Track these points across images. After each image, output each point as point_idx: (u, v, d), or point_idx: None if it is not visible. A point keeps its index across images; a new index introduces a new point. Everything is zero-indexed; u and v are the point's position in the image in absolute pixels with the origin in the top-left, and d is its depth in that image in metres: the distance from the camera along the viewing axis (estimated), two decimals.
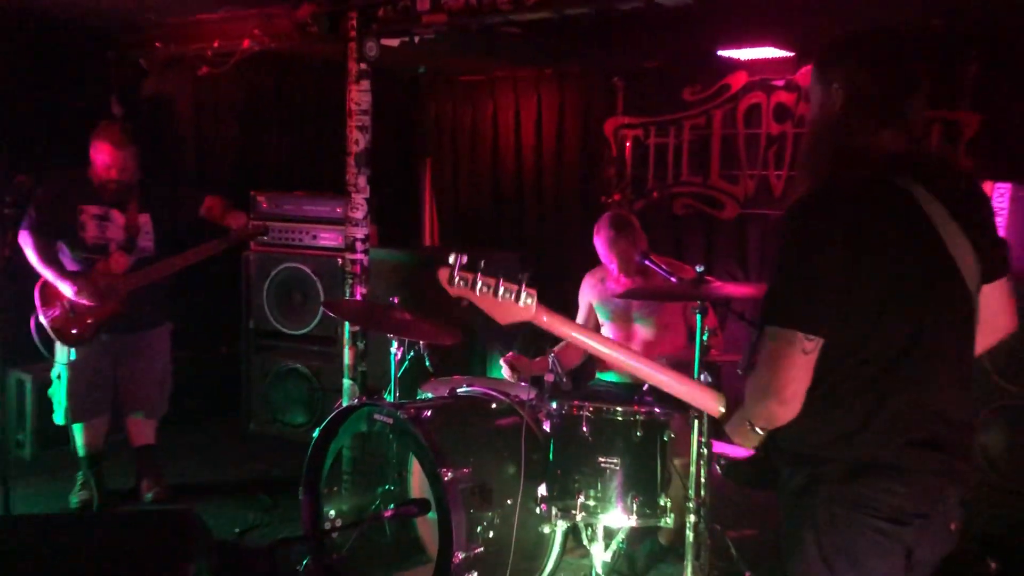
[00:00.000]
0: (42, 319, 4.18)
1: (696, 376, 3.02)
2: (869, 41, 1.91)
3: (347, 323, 4.45)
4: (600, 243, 4.07)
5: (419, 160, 7.22)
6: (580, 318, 4.28)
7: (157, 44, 5.36)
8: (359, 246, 4.47)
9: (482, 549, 3.18)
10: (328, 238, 5.39)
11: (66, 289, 4.13)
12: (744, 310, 4.00)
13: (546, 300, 2.14)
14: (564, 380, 3.45)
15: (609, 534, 3.19)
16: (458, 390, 3.78)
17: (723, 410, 2.03)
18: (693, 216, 5.86)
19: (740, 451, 2.09)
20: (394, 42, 4.42)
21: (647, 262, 3.77)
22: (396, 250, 5.51)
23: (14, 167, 4.33)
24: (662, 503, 3.08)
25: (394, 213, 6.67)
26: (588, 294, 4.27)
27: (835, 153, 1.88)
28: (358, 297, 4.49)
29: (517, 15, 3.90)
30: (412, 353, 3.85)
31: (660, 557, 3.81)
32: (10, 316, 3.94)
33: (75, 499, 4.47)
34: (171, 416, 4.71)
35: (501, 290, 2.10)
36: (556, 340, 4.07)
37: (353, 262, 4.48)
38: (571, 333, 2.16)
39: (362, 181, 4.43)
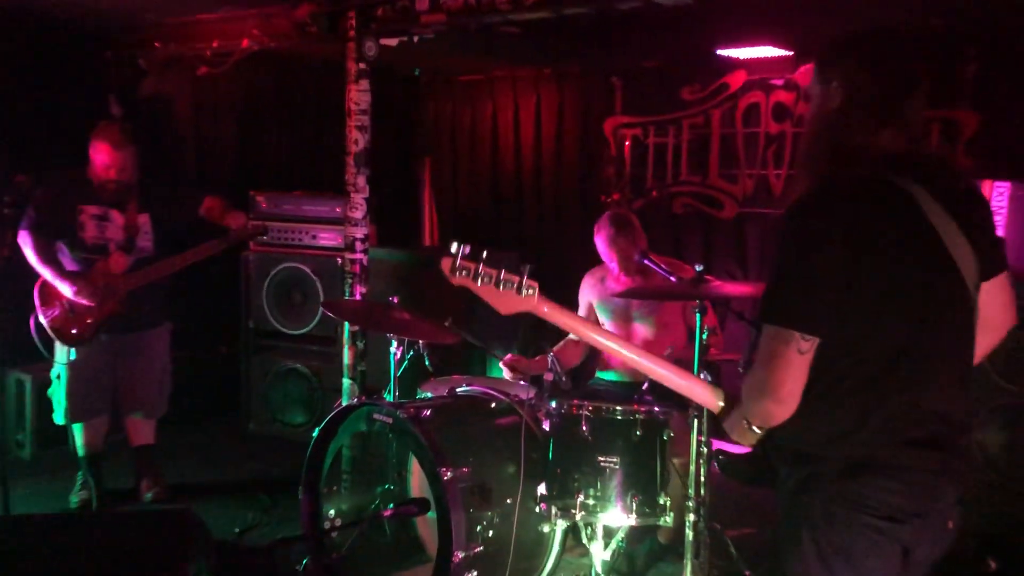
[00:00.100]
0: (42, 319, 4.17)
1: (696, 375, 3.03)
2: (869, 40, 1.91)
3: (346, 323, 4.44)
4: (601, 241, 4.07)
5: (418, 160, 7.22)
6: None
7: (156, 44, 5.35)
8: (358, 246, 4.47)
9: (482, 548, 3.18)
10: (327, 238, 5.39)
11: (65, 289, 4.13)
12: (743, 309, 4.01)
13: None
14: (563, 379, 3.45)
15: (608, 533, 3.19)
16: (457, 389, 3.78)
17: (722, 404, 2.03)
18: (692, 215, 5.87)
19: (739, 448, 2.09)
20: (393, 42, 4.42)
21: (647, 261, 3.77)
22: (395, 250, 5.52)
23: (13, 167, 4.33)
24: (661, 502, 3.08)
25: (393, 213, 6.67)
26: (588, 293, 4.27)
27: (834, 152, 1.88)
28: (357, 297, 4.48)
29: (516, 15, 3.90)
30: (411, 353, 3.85)
31: (659, 556, 3.81)
32: (10, 316, 3.94)
33: (75, 499, 4.47)
34: (170, 416, 4.70)
35: (503, 281, 2.11)
36: (555, 340, 4.09)
37: (352, 262, 4.48)
38: (571, 324, 2.20)
39: (361, 181, 4.42)
